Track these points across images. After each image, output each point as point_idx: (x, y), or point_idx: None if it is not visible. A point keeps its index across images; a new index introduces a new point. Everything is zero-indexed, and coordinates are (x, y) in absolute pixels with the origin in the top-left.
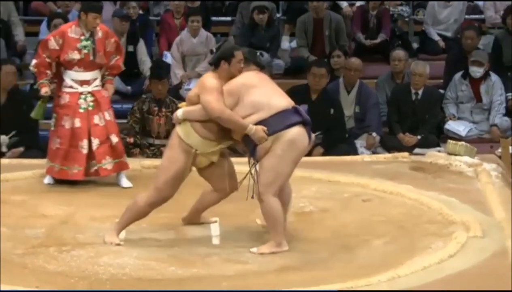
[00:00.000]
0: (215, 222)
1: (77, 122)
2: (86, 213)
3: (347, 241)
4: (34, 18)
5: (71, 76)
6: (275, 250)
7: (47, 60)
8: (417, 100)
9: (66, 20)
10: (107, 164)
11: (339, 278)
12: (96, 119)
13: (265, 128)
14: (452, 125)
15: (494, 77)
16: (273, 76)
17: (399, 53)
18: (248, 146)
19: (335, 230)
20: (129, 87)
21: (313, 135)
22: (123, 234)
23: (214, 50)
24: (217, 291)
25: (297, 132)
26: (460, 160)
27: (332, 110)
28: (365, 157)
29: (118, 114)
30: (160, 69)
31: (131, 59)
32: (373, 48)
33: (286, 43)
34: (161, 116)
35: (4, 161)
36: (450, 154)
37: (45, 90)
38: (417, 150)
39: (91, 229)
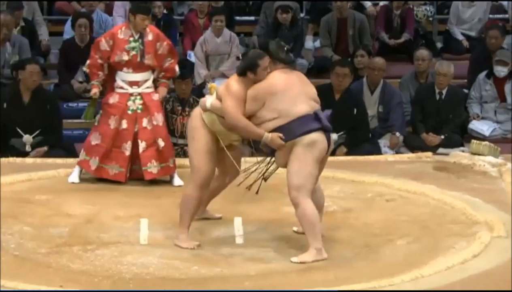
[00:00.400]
0: (220, 218)
1: (124, 124)
2: (110, 212)
3: (370, 241)
4: (58, 17)
5: (121, 77)
6: (317, 258)
7: (99, 61)
8: (441, 100)
9: (90, 20)
10: (153, 167)
11: (363, 278)
12: (145, 122)
13: (281, 135)
14: (476, 125)
15: None
16: None
17: (423, 52)
18: (267, 149)
19: (358, 230)
20: None
21: (334, 136)
22: (146, 233)
23: (240, 57)
24: (241, 291)
25: (315, 137)
26: (484, 159)
27: (355, 110)
28: (389, 156)
29: None
30: (184, 69)
31: None
32: (397, 48)
33: (309, 42)
34: (185, 116)
35: (28, 160)
36: (473, 153)
37: (94, 92)
38: (440, 150)
39: (115, 228)
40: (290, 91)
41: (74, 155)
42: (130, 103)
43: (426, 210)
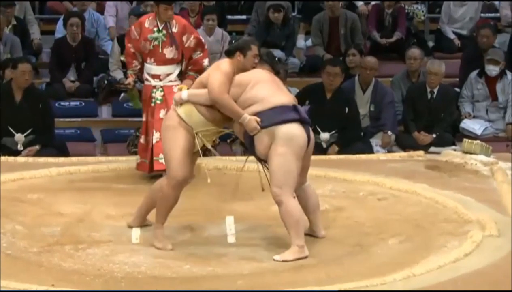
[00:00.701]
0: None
1: (149, 116)
2: (102, 211)
3: (362, 240)
4: (50, 16)
5: (146, 69)
6: (299, 256)
7: (131, 50)
8: (433, 99)
9: (82, 19)
10: (163, 159)
11: (355, 277)
12: (162, 113)
13: (258, 119)
14: (467, 124)
15: (510, 75)
16: (288, 75)
17: (415, 51)
18: (245, 140)
19: (350, 229)
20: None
21: (326, 135)
22: (138, 233)
23: (233, 42)
24: (233, 291)
25: (292, 128)
26: (475, 158)
27: (347, 109)
28: (381, 155)
29: (134, 113)
30: None
31: None
32: (389, 47)
33: (301, 41)
34: None
35: (20, 159)
36: (465, 152)
37: (128, 81)
38: (432, 149)
39: (106, 227)
40: (271, 85)
41: (66, 154)
42: (153, 95)
43: (418, 209)
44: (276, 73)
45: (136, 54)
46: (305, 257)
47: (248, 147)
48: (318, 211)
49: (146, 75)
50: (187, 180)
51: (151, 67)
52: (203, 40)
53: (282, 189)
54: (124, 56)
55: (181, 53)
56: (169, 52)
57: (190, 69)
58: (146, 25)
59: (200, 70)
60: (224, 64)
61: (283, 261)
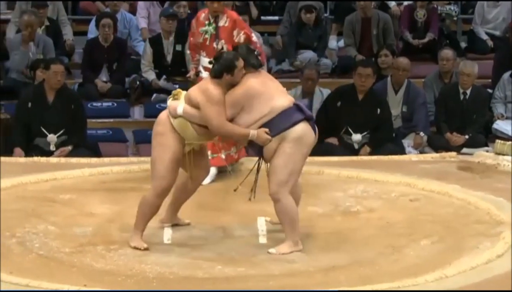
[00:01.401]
0: (188, 224)
1: None
2: (134, 211)
3: (394, 241)
4: (82, 17)
5: (201, 62)
6: (293, 249)
7: (193, 41)
8: (465, 99)
9: (114, 20)
10: (222, 154)
11: (386, 278)
12: None
13: (267, 130)
14: (500, 125)
15: None
16: (320, 76)
17: (447, 52)
18: (255, 149)
19: (382, 230)
20: (177, 86)
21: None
22: (170, 233)
23: (213, 60)
24: (264, 291)
25: (302, 129)
26: (508, 159)
27: (379, 110)
28: (413, 156)
29: None
30: None
31: (179, 58)
32: (421, 48)
33: (333, 42)
34: None
35: (53, 159)
36: (498, 153)
37: (189, 74)
38: (464, 150)
39: None
40: (266, 91)
41: (98, 154)
42: None
43: (450, 210)
44: (259, 67)
45: (197, 47)
46: (300, 250)
47: (258, 153)
48: (298, 203)
49: (200, 68)
50: (171, 187)
51: (204, 60)
52: (254, 37)
53: (282, 187)
54: (188, 49)
55: (231, 48)
56: (219, 45)
57: None
58: (201, 18)
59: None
60: (212, 89)
61: (279, 253)
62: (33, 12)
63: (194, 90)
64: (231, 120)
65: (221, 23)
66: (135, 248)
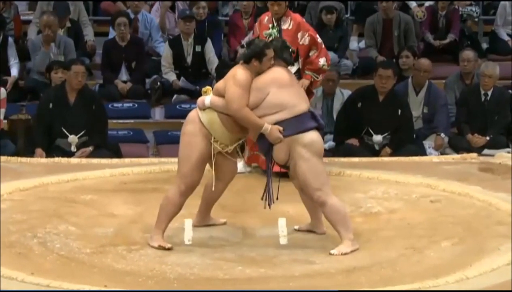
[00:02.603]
0: (225, 223)
1: None
2: (155, 212)
3: (415, 242)
4: (103, 18)
5: None
6: (353, 248)
7: None
8: (487, 101)
9: (129, 18)
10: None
11: (407, 279)
12: None
13: (281, 128)
14: None
15: None
16: (341, 77)
17: (469, 53)
18: (262, 146)
19: (403, 231)
20: (197, 87)
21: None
22: (190, 234)
23: (245, 45)
24: (286, 291)
25: (312, 137)
26: None
27: (399, 111)
28: (434, 157)
29: (187, 114)
30: (225, 69)
31: (199, 59)
32: (442, 49)
33: (354, 43)
34: None
35: (74, 160)
36: None
37: None
38: (486, 151)
39: None
40: (293, 88)
41: (119, 155)
42: None
43: (471, 211)
44: (290, 65)
45: None
46: (356, 249)
47: (265, 153)
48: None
49: None
50: (196, 186)
51: None
52: (319, 39)
53: (322, 190)
54: None
55: (296, 50)
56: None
57: (307, 68)
58: (264, 22)
59: (316, 70)
60: (240, 73)
61: (340, 254)
62: (52, 13)
63: (222, 80)
64: (254, 107)
65: (284, 26)
66: (160, 247)
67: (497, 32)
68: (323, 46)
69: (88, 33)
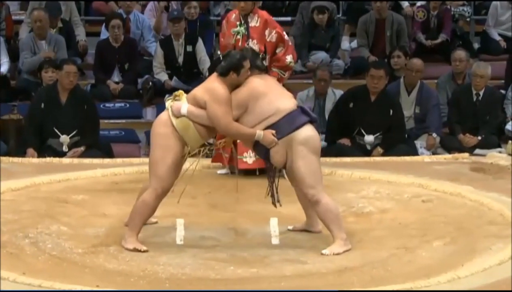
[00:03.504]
0: (156, 222)
1: None
2: None
3: (406, 242)
4: (95, 18)
5: None
6: (345, 248)
7: (224, 42)
8: (478, 101)
9: (123, 20)
10: (248, 158)
11: (399, 279)
12: None
13: (273, 131)
14: None
15: None
16: (333, 77)
17: (461, 53)
18: (260, 153)
19: (394, 231)
20: (190, 87)
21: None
22: (182, 234)
23: (221, 57)
24: (277, 291)
25: (306, 132)
26: None
27: (391, 111)
28: (425, 157)
29: None
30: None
31: (190, 58)
32: (434, 49)
33: (346, 43)
34: None
35: (65, 160)
36: (510, 154)
37: None
38: (477, 151)
39: (151, 228)
40: (271, 92)
41: (111, 155)
42: None
43: (462, 211)
44: (264, 71)
45: (228, 48)
46: (349, 249)
47: (263, 157)
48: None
49: None
50: (170, 188)
51: None
52: (286, 36)
53: (316, 189)
54: (220, 49)
55: (263, 47)
56: (250, 45)
57: (274, 66)
58: (232, 19)
59: (283, 67)
60: (219, 89)
61: (332, 254)
62: (43, 9)
63: (199, 90)
64: (236, 121)
65: (252, 23)
66: (135, 249)
67: (489, 32)
68: (290, 43)
69: (80, 33)
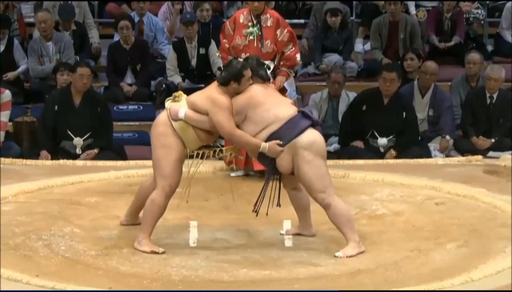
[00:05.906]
0: (139, 224)
1: None
2: None
3: (420, 244)
4: (108, 20)
5: None
6: (359, 250)
7: (226, 45)
8: (492, 103)
9: (132, 21)
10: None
11: (412, 281)
12: None
13: (278, 142)
14: None
15: None
16: (346, 79)
17: (474, 56)
18: (265, 162)
19: (408, 233)
20: None
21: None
22: (195, 236)
23: (222, 69)
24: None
25: (309, 136)
26: None
27: (404, 114)
28: (439, 160)
29: None
30: None
31: (203, 61)
32: (447, 51)
33: (359, 45)
34: None
35: (79, 162)
36: None
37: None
38: (491, 153)
39: (164, 231)
40: (269, 101)
41: (124, 157)
42: None
43: (476, 214)
44: (266, 81)
45: (230, 50)
46: (362, 252)
47: (267, 165)
48: (309, 211)
49: None
50: (177, 187)
51: None
52: (294, 34)
53: (326, 192)
54: (219, 51)
55: (275, 46)
56: (264, 46)
57: (283, 65)
58: (241, 20)
59: (293, 66)
60: (220, 98)
61: (346, 256)
62: (47, 10)
63: (199, 97)
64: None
65: (265, 24)
66: (152, 252)
67: (502, 35)
68: (297, 43)
69: (94, 35)
